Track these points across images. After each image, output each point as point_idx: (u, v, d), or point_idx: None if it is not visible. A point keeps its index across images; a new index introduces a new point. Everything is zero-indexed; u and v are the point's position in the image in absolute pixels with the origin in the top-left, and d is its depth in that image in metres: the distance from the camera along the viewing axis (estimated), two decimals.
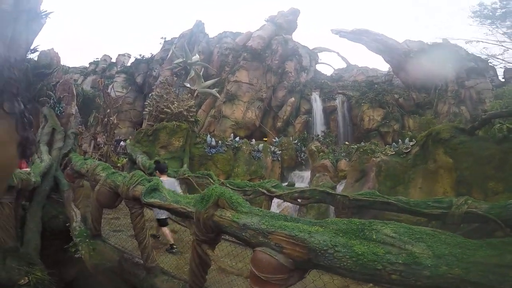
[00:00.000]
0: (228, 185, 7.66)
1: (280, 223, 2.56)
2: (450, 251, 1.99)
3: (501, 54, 23.08)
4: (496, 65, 26.67)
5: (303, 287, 3.15)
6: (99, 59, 43.06)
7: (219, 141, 16.30)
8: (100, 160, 14.80)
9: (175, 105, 16.26)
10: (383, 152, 10.70)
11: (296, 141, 24.70)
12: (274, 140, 24.76)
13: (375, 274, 2.04)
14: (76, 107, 14.02)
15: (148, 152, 14.06)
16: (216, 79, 26.98)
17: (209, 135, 17.26)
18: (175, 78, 30.27)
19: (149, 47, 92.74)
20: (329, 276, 2.85)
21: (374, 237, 2.21)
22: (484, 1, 23.11)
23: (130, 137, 23.25)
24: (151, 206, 4.26)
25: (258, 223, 2.64)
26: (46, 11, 11.54)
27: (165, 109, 16.03)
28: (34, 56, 15.53)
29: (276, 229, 2.50)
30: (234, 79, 29.26)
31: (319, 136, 26.80)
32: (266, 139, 25.70)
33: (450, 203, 4.63)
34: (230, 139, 18.27)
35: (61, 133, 12.12)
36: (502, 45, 21.62)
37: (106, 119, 19.21)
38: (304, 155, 23.08)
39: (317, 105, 30.19)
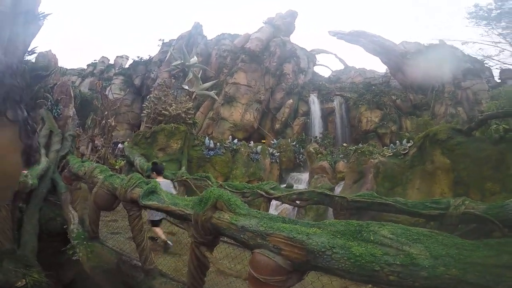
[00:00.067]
0: (226, 187, 7.66)
1: (278, 225, 2.57)
2: (447, 252, 2.00)
3: (497, 55, 23.31)
4: (492, 66, 26.91)
5: None
6: (97, 61, 43.07)
7: (217, 143, 16.31)
8: (98, 162, 14.76)
9: (173, 107, 16.25)
10: (381, 154, 10.72)
11: (294, 143, 24.76)
12: (273, 142, 24.81)
13: (373, 275, 2.05)
14: (73, 109, 13.97)
15: (146, 154, 14.04)
16: (214, 81, 26.99)
17: (207, 137, 17.25)
18: (173, 80, 30.31)
19: (147, 49, 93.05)
20: (327, 277, 2.86)
21: (371, 238, 2.22)
22: (479, 2, 23.33)
23: (128, 139, 23.16)
24: (149, 208, 4.25)
25: (256, 225, 2.64)
26: (44, 13, 11.56)
27: (163, 111, 16.02)
28: (31, 58, 15.53)
29: (274, 231, 2.50)
30: (232, 81, 29.30)
31: (317, 137, 26.85)
32: (264, 141, 25.74)
33: (447, 204, 4.65)
34: (229, 141, 18.27)
35: (58, 135, 12.06)
36: (497, 46, 21.83)
37: (104, 121, 19.18)
38: (302, 157, 23.11)
39: (315, 107, 30.26)
